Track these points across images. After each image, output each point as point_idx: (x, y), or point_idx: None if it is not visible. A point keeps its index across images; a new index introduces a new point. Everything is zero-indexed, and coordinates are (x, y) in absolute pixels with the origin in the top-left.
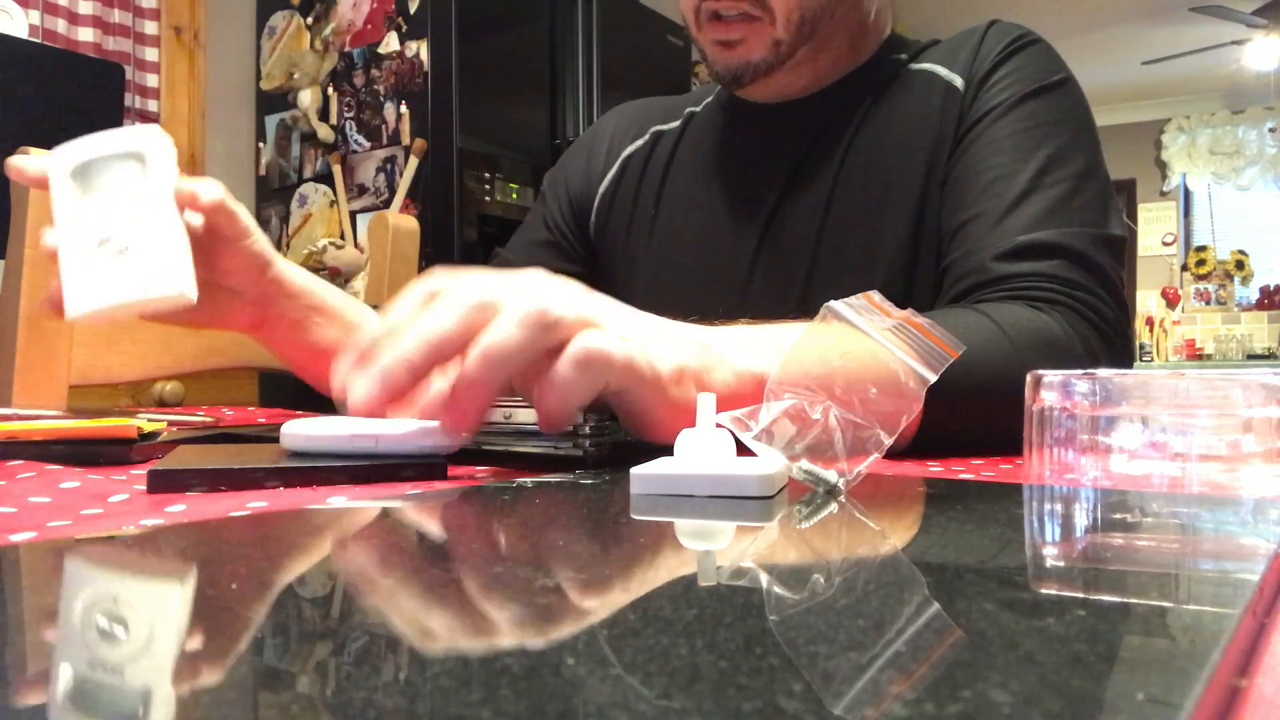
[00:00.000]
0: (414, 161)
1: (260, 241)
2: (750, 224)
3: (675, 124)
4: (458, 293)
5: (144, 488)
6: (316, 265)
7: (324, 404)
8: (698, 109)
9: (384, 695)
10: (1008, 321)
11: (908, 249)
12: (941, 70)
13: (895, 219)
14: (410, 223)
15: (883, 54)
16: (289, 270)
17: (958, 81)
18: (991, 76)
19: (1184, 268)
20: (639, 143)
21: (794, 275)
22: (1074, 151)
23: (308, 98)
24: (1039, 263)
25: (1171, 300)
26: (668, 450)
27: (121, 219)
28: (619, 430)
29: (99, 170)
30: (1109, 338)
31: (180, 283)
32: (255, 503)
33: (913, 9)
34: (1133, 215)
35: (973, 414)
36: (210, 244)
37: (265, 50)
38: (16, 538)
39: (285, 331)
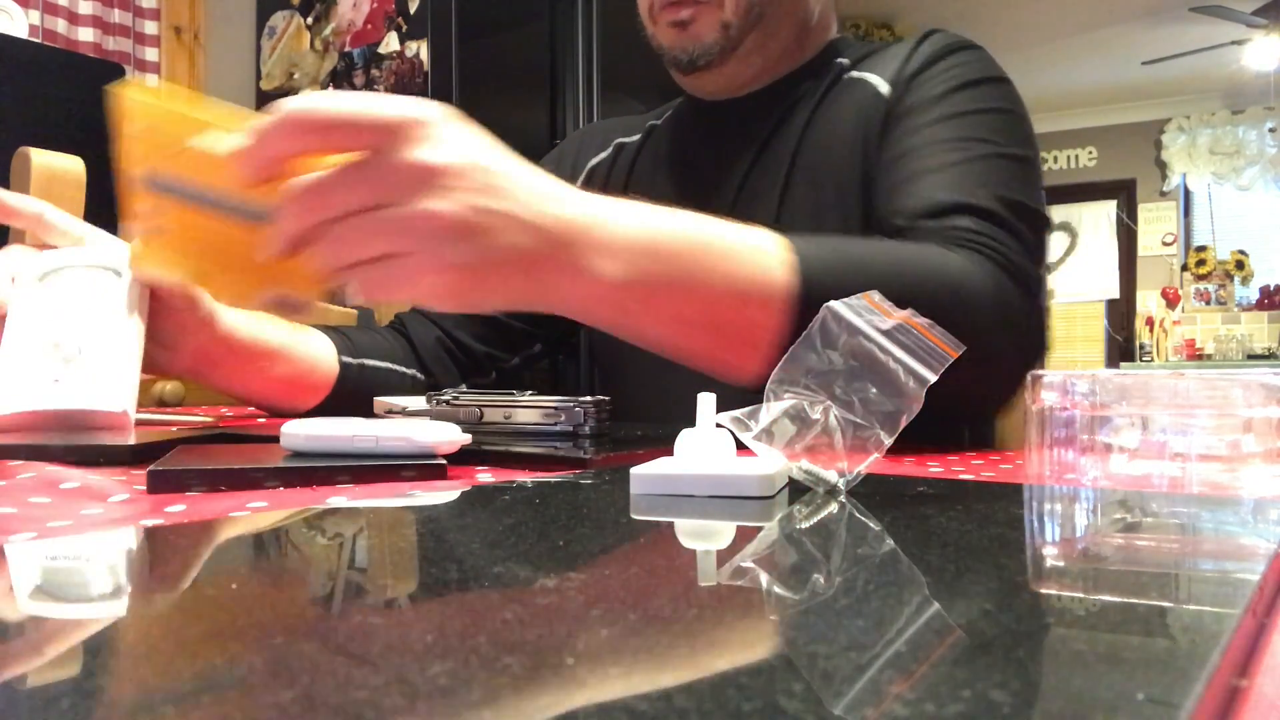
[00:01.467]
0: None
1: (207, 305)
2: None
3: (636, 136)
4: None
5: (144, 488)
6: None
7: (322, 406)
8: (659, 122)
9: (384, 695)
10: (903, 247)
11: None
12: (874, 78)
13: (841, 228)
14: None
15: (826, 56)
16: (237, 324)
17: (884, 88)
18: (919, 76)
19: (1184, 268)
20: (602, 155)
21: None
22: (1001, 139)
23: None
24: (943, 219)
25: (1171, 300)
26: (667, 448)
27: (79, 326)
28: (619, 430)
29: (70, 277)
30: (1021, 281)
31: (121, 402)
32: (255, 503)
33: (914, 9)
34: (1133, 215)
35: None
36: (155, 308)
37: (265, 50)
38: (16, 538)
39: (225, 375)
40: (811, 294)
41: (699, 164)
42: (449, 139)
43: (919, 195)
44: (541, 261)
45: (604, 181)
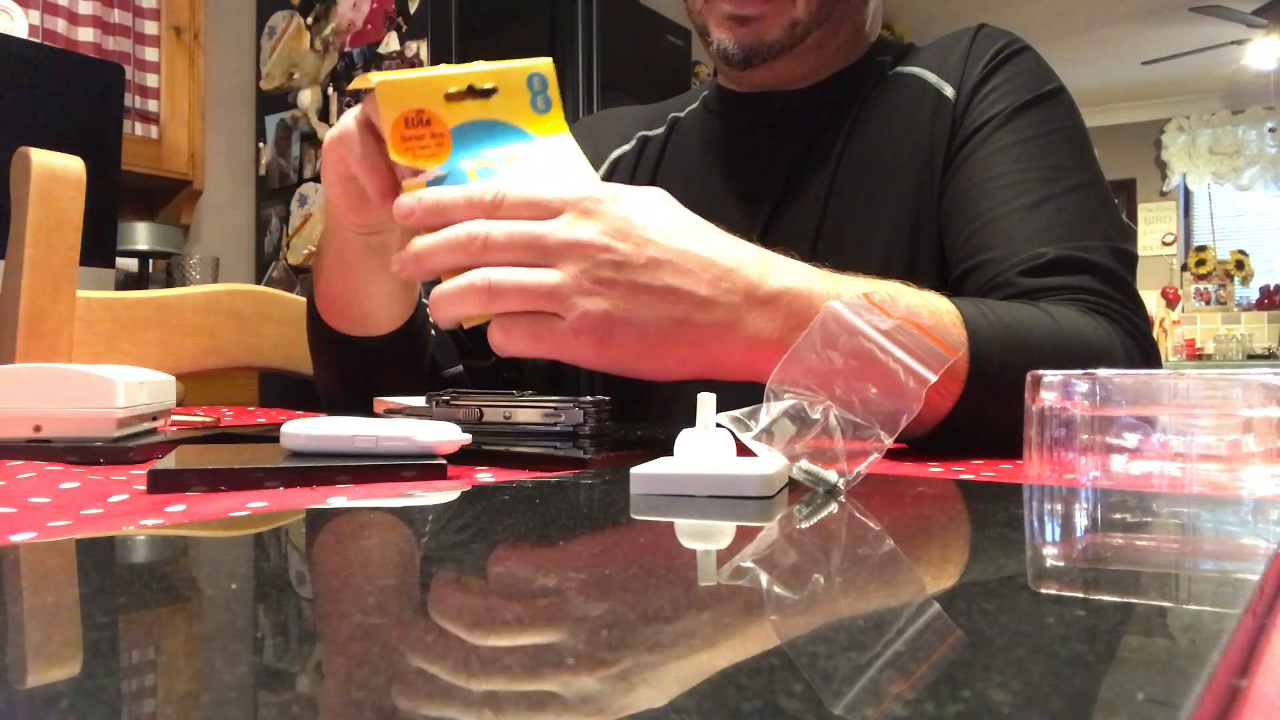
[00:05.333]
0: None
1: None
2: (746, 233)
3: (660, 130)
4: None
5: (144, 488)
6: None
7: (324, 404)
8: (681, 115)
9: (383, 695)
10: (1061, 318)
11: (905, 258)
12: (930, 76)
13: (890, 227)
14: None
15: (869, 56)
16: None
17: (948, 90)
18: (984, 86)
19: (1184, 268)
20: (626, 147)
21: None
22: (1075, 162)
23: (308, 98)
24: (1067, 277)
25: (1171, 300)
26: (667, 448)
27: None
28: (619, 430)
29: None
30: (1144, 349)
31: None
32: (255, 503)
33: (913, 9)
34: (1133, 215)
35: (1014, 399)
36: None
37: (265, 50)
38: (16, 538)
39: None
40: (980, 373)
41: (738, 161)
42: (604, 213)
43: (1020, 241)
44: (712, 330)
45: (630, 176)
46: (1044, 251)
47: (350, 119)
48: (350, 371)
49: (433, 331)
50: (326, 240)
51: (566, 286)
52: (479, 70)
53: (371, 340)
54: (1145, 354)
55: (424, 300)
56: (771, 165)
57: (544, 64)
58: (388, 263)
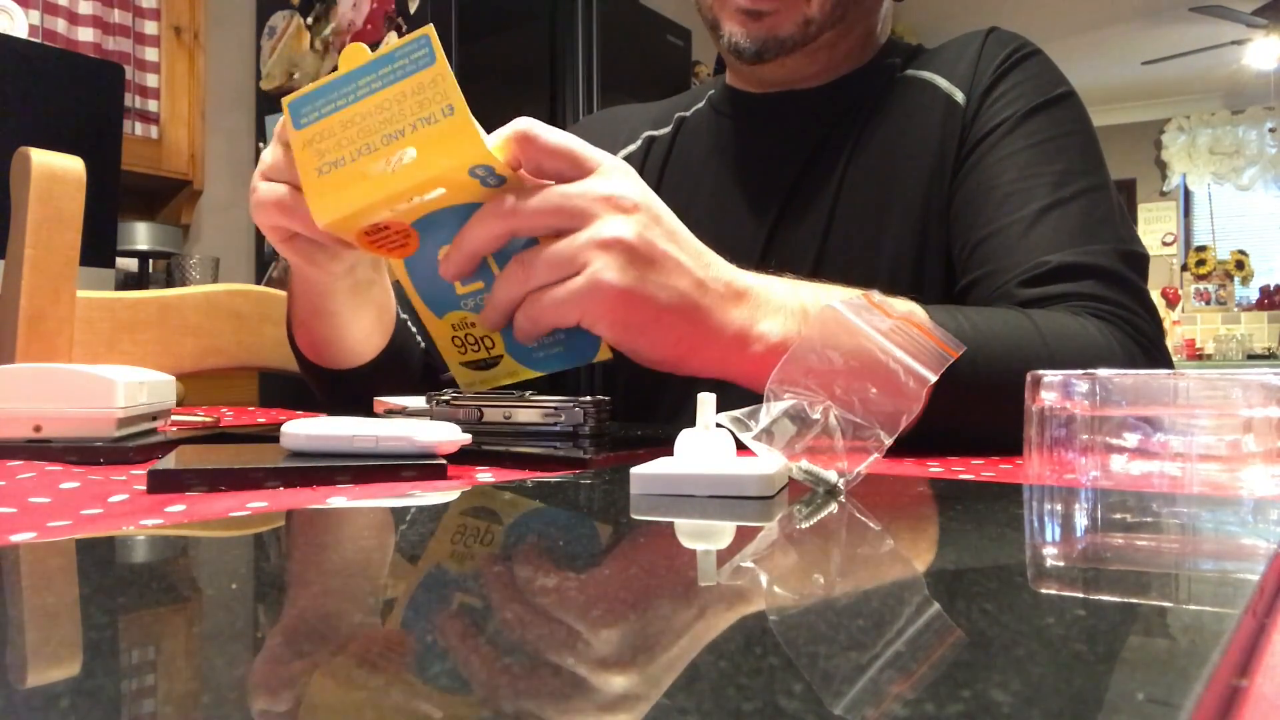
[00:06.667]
0: None
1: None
2: (753, 234)
3: (666, 129)
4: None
5: (144, 488)
6: None
7: (324, 404)
8: (687, 114)
9: (383, 695)
10: (1045, 323)
11: (912, 264)
12: (941, 81)
13: (898, 232)
14: None
15: (879, 58)
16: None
17: (958, 95)
18: (994, 91)
19: (1184, 268)
20: (632, 147)
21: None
22: (1085, 166)
23: None
24: (1069, 284)
25: (1171, 300)
26: (667, 448)
27: None
28: (619, 430)
29: None
30: (1149, 351)
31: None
32: (255, 503)
33: (914, 9)
34: (1133, 215)
35: (986, 406)
36: None
37: (265, 50)
38: (16, 538)
39: (356, 299)
40: (948, 374)
41: (745, 163)
42: (631, 179)
43: (1023, 252)
44: (705, 312)
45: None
46: (1047, 260)
47: (265, 185)
48: (342, 395)
49: (421, 342)
50: (300, 293)
51: (584, 235)
52: (420, 178)
53: (358, 370)
54: (1150, 357)
55: (403, 316)
56: (778, 168)
57: (479, 153)
58: (367, 297)
